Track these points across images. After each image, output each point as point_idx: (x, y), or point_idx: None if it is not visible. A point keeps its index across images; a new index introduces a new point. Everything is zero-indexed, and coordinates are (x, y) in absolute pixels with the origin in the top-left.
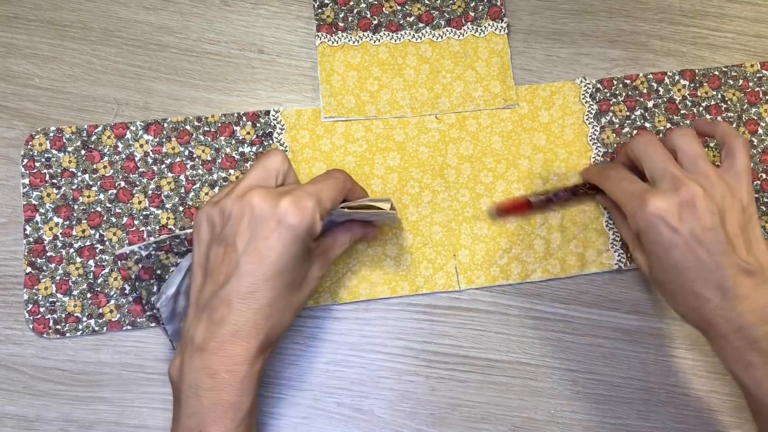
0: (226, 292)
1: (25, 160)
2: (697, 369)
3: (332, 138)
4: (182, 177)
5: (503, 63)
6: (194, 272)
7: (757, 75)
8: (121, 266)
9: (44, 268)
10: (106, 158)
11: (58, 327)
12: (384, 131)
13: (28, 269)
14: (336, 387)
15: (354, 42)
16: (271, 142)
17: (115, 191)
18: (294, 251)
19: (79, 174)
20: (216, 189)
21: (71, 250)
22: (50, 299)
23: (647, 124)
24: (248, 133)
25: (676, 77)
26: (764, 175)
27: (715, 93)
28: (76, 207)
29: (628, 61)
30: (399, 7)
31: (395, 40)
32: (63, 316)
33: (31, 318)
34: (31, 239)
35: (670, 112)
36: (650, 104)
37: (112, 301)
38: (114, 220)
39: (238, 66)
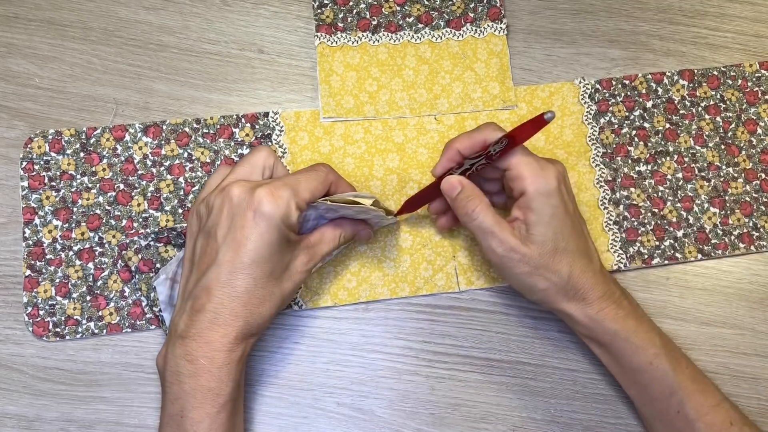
0: (207, 280)
1: (24, 163)
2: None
3: (331, 139)
4: (181, 179)
5: (502, 64)
6: (184, 265)
7: (756, 75)
8: (122, 260)
9: (43, 270)
10: (105, 161)
11: (58, 330)
12: (383, 133)
13: (28, 272)
14: (336, 387)
15: (353, 42)
16: (270, 143)
17: (114, 193)
18: (270, 239)
19: (78, 176)
20: None
21: (70, 253)
22: (50, 302)
23: (646, 124)
24: (247, 134)
25: (675, 77)
26: (764, 175)
27: (714, 93)
28: (75, 209)
29: (628, 61)
30: (398, 8)
31: (394, 41)
32: (62, 319)
33: (31, 321)
34: (31, 242)
35: (669, 112)
36: (649, 104)
37: (112, 304)
38: (113, 222)
39: (238, 66)
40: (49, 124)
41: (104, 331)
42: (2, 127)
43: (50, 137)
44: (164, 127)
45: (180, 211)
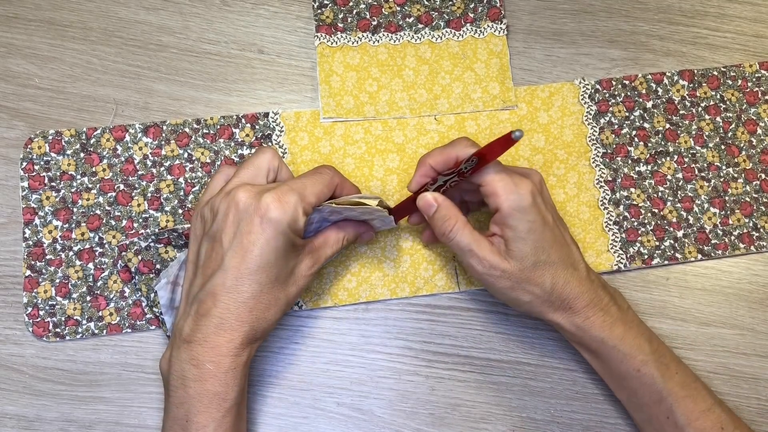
0: (212, 285)
1: (24, 163)
2: (697, 369)
3: (331, 140)
4: (181, 179)
5: (502, 64)
6: (187, 268)
7: (756, 75)
8: (122, 260)
9: (44, 271)
10: (105, 161)
11: (58, 330)
12: (383, 133)
13: (28, 272)
14: (336, 387)
15: (353, 43)
16: (270, 144)
17: (114, 194)
18: (277, 245)
19: (78, 177)
20: None
21: (70, 253)
22: (50, 302)
23: (646, 125)
24: (247, 135)
25: (675, 77)
26: (764, 176)
27: (714, 93)
28: (75, 210)
29: (627, 61)
30: (398, 8)
31: (394, 41)
32: (63, 319)
33: (31, 321)
34: (31, 242)
35: (669, 113)
36: (649, 105)
37: (112, 304)
38: (113, 222)
39: (238, 66)
40: (48, 124)
41: (104, 331)
42: (2, 128)
43: (50, 137)
44: (164, 127)
45: (180, 211)
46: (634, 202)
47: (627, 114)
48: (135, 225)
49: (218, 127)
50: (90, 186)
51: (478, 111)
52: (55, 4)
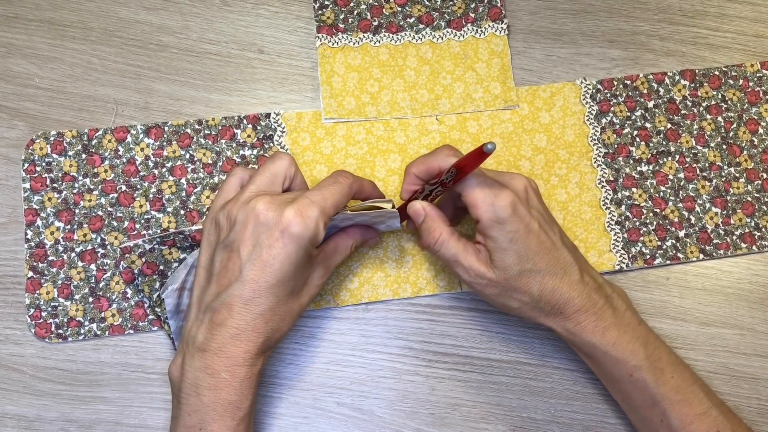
0: (229, 296)
1: (26, 165)
2: (697, 369)
3: (333, 140)
4: (183, 180)
5: (503, 64)
6: (198, 273)
7: (758, 75)
8: (125, 262)
9: (46, 272)
10: (107, 162)
11: (60, 331)
12: (385, 133)
13: (30, 274)
14: (336, 387)
15: (354, 43)
16: (272, 144)
17: (116, 195)
18: (297, 259)
19: (80, 178)
20: (217, 192)
21: (73, 255)
22: (52, 304)
23: (648, 125)
24: (249, 136)
25: (677, 77)
26: (765, 175)
27: (715, 93)
28: (77, 211)
29: (628, 61)
30: (399, 9)
31: (395, 42)
32: (65, 320)
33: (33, 322)
34: (33, 243)
35: (670, 113)
36: (651, 104)
37: (114, 305)
38: (115, 224)
39: (238, 66)
40: (49, 124)
41: (106, 332)
42: (2, 128)
43: (52, 139)
44: (166, 128)
45: (182, 212)
46: (636, 202)
47: (628, 114)
48: (137, 226)
49: (220, 127)
50: (92, 187)
51: (480, 111)
52: (55, 4)
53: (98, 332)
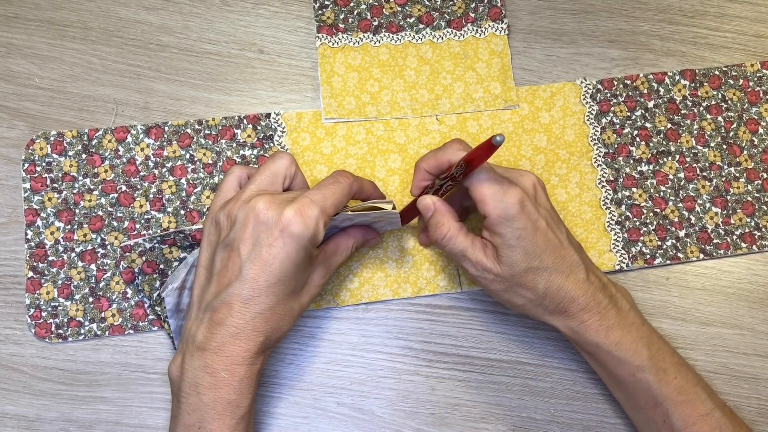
0: (229, 295)
1: (26, 165)
2: (697, 369)
3: (333, 140)
4: (183, 180)
5: (503, 64)
6: (198, 272)
7: (758, 74)
8: (125, 261)
9: (46, 272)
10: (107, 162)
11: (60, 331)
12: (385, 133)
13: (30, 274)
14: (336, 387)
15: (354, 43)
16: (272, 144)
17: (116, 195)
18: (297, 259)
19: (80, 178)
20: None
21: (73, 255)
22: (52, 304)
23: (648, 124)
24: (249, 136)
25: (677, 77)
26: (765, 175)
27: (715, 93)
28: (77, 211)
29: (628, 61)
30: (399, 9)
31: (395, 42)
32: (65, 320)
33: (33, 323)
34: (33, 243)
35: (670, 112)
36: (651, 104)
37: (114, 305)
38: (115, 224)
39: (238, 66)
40: (49, 124)
41: (107, 332)
42: (2, 128)
43: (52, 139)
44: (166, 128)
45: (182, 212)
46: (636, 202)
47: (628, 114)
48: (137, 226)
49: (220, 127)
50: (92, 187)
51: (480, 111)
52: (55, 4)
53: (98, 332)
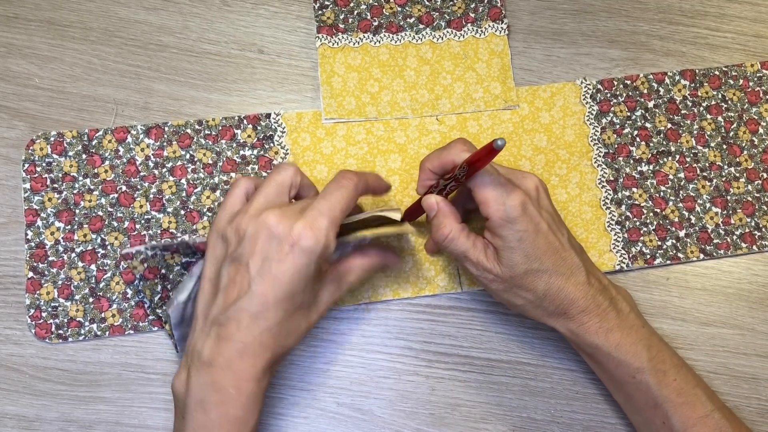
0: (236, 310)
1: (26, 165)
2: (697, 369)
3: (333, 140)
4: (183, 180)
5: (503, 64)
6: (203, 285)
7: (758, 75)
8: (126, 266)
9: (46, 272)
10: (107, 162)
11: (61, 332)
12: (385, 133)
13: (30, 274)
14: (336, 387)
15: (354, 43)
16: (272, 144)
17: (116, 195)
18: (307, 273)
19: (80, 178)
20: (217, 192)
21: (73, 255)
22: (52, 304)
23: (648, 125)
24: (249, 136)
25: (677, 77)
26: (765, 175)
27: (715, 93)
28: (77, 211)
29: (628, 61)
30: (399, 9)
31: (395, 42)
32: (65, 320)
33: (33, 323)
34: (33, 244)
35: (670, 113)
36: (651, 104)
37: (114, 306)
38: (115, 224)
39: (238, 66)
40: (48, 124)
41: (107, 332)
42: (2, 128)
43: (52, 139)
44: (166, 128)
45: (182, 212)
46: (636, 202)
47: (628, 114)
48: (137, 226)
49: (220, 128)
50: (92, 187)
51: (480, 111)
52: (55, 4)
53: (98, 332)
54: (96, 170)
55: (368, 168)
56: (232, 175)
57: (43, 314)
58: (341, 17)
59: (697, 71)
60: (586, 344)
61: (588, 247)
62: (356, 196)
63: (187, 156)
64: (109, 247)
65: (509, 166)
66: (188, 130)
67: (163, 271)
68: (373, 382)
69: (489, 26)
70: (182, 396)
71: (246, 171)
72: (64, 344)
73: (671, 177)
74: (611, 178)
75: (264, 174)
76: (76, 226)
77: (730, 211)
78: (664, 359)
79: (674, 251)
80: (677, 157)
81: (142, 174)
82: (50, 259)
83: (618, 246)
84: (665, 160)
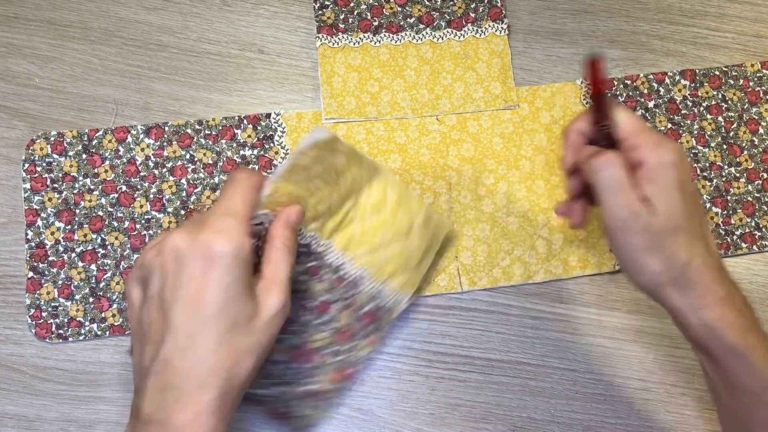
0: (164, 351)
1: (26, 165)
2: (697, 369)
3: None
4: (183, 180)
5: (504, 64)
6: (134, 344)
7: (758, 75)
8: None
9: (46, 272)
10: (107, 162)
11: (61, 332)
12: (385, 133)
13: (30, 274)
14: None
15: (354, 43)
16: (272, 144)
17: (116, 195)
18: (228, 282)
19: (81, 178)
20: (217, 192)
21: (73, 255)
22: (52, 304)
23: (648, 124)
24: (249, 136)
25: (677, 77)
26: (766, 175)
27: (715, 93)
28: (77, 211)
29: (628, 61)
30: (399, 9)
31: (396, 42)
32: (65, 320)
33: (34, 323)
34: (33, 244)
35: (670, 113)
36: (651, 104)
37: (115, 306)
38: (116, 224)
39: (238, 66)
40: (49, 124)
41: (107, 332)
42: (2, 128)
43: (52, 139)
44: (166, 128)
45: (182, 212)
46: None
47: None
48: (137, 226)
49: (220, 128)
50: (92, 187)
51: (480, 111)
52: (55, 4)
53: (98, 332)
54: (96, 170)
55: None
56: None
57: (44, 314)
58: (341, 17)
59: (697, 71)
60: (721, 342)
61: (588, 248)
62: (255, 186)
63: (187, 156)
64: (109, 247)
65: (509, 166)
66: (188, 130)
67: None
68: (373, 382)
69: (489, 26)
70: None
71: None
72: (64, 344)
73: None
74: None
75: (264, 174)
76: (76, 226)
77: (731, 211)
78: None
79: None
80: None
81: (142, 174)
82: (50, 259)
83: None
84: None
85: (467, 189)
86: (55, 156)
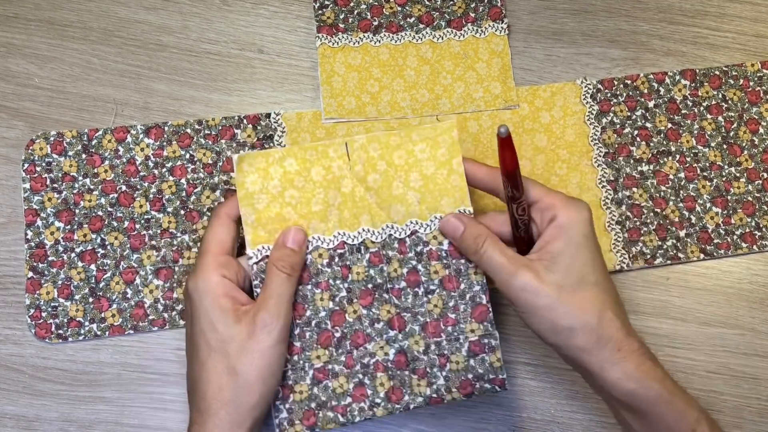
0: (188, 378)
1: (26, 165)
2: (697, 369)
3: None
4: (183, 180)
5: (504, 64)
6: None
7: (758, 74)
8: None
9: (46, 272)
10: (107, 162)
11: (60, 332)
12: None
13: (30, 274)
14: None
15: (354, 43)
16: (272, 144)
17: (116, 195)
18: (199, 313)
19: (80, 178)
20: (217, 192)
21: (73, 255)
22: (52, 304)
23: (648, 124)
24: (249, 136)
25: (677, 77)
26: (766, 175)
27: (715, 93)
28: (77, 211)
29: (628, 61)
30: (399, 8)
31: (396, 41)
32: (65, 320)
33: (33, 323)
34: (33, 244)
35: (671, 112)
36: (651, 104)
37: (114, 306)
38: (115, 224)
39: (238, 66)
40: (48, 124)
41: (106, 332)
42: (2, 128)
43: (52, 139)
44: (166, 128)
45: (182, 212)
46: (637, 202)
47: (629, 114)
48: (137, 226)
49: (220, 127)
50: (92, 187)
51: (480, 111)
52: (55, 4)
53: (98, 332)
54: (96, 170)
55: None
56: (232, 175)
57: (43, 314)
58: (341, 17)
59: (697, 71)
60: (645, 393)
61: None
62: (228, 219)
63: (187, 156)
64: (108, 247)
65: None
66: (188, 130)
67: None
68: None
69: (489, 26)
70: None
71: None
72: (64, 344)
73: (671, 177)
74: (611, 178)
75: None
76: (75, 226)
77: (731, 211)
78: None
79: (674, 251)
80: (677, 157)
81: (141, 174)
82: (50, 259)
83: (618, 246)
84: (665, 160)
85: None
86: (54, 156)
